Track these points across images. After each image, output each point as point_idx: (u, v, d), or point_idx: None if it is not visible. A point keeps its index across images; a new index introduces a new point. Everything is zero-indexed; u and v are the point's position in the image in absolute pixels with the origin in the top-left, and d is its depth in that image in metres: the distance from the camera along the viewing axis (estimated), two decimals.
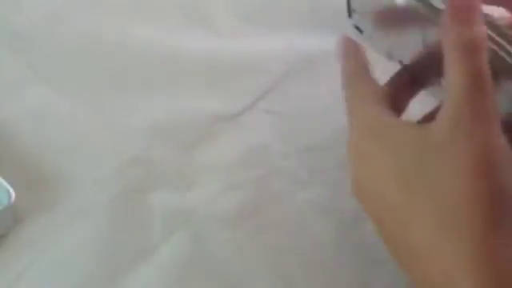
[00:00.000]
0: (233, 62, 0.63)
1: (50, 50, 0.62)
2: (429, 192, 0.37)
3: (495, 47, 0.40)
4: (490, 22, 0.40)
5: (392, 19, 0.47)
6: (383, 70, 0.48)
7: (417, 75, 0.48)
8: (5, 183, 0.51)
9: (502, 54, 0.40)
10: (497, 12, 0.44)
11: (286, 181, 0.56)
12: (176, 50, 0.63)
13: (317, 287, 0.50)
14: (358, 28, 0.50)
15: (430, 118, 0.44)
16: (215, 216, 0.53)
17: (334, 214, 0.54)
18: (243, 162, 0.57)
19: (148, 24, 0.65)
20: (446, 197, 0.36)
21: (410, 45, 0.45)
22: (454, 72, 0.38)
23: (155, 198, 0.54)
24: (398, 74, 0.48)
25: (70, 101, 0.59)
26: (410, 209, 0.38)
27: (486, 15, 0.40)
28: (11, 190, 0.50)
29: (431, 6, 0.41)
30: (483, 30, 0.39)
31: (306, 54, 0.64)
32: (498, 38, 0.40)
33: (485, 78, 0.37)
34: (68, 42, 0.63)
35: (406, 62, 0.48)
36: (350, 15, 0.50)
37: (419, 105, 0.48)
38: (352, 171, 0.44)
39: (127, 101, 0.60)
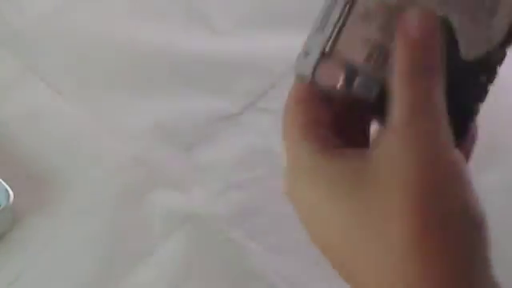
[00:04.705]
0: (233, 61, 0.63)
1: (49, 49, 0.62)
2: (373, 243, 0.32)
3: None
4: None
5: None
6: None
7: None
8: (3, 183, 0.51)
9: None
10: None
11: None
12: (176, 50, 0.63)
13: (317, 287, 0.50)
14: None
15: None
16: (215, 216, 0.53)
17: None
18: (243, 161, 0.57)
19: (148, 24, 0.65)
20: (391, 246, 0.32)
21: None
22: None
23: (155, 198, 0.54)
24: None
25: (70, 101, 0.59)
26: (356, 263, 0.33)
27: None
28: (10, 191, 0.50)
29: None
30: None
31: None
32: None
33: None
34: (68, 42, 0.63)
35: None
36: None
37: None
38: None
39: (127, 101, 0.60)
